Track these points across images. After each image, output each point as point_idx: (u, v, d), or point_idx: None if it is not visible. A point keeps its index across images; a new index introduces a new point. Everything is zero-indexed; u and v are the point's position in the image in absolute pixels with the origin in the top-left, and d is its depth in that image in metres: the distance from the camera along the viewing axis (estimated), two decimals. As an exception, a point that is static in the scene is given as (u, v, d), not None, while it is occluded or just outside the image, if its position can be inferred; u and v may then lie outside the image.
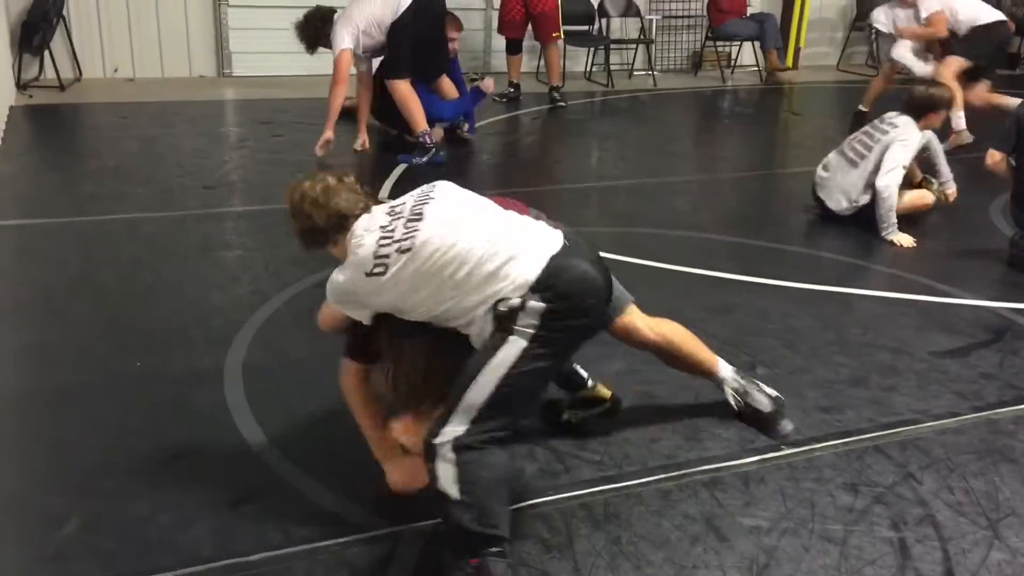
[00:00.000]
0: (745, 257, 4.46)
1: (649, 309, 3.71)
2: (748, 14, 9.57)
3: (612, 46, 9.34)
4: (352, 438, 2.63)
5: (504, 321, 2.05)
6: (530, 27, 8.10)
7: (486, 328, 2.10)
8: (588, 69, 9.41)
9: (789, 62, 10.07)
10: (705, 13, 9.73)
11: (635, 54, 9.69)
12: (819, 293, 3.95)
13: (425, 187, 2.32)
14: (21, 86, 7.41)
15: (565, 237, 2.19)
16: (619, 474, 2.59)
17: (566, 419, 2.80)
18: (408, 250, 2.11)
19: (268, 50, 8.46)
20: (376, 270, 2.13)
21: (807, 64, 10.49)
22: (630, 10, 9.41)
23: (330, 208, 2.24)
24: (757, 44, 9.66)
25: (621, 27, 9.67)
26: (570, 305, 2.08)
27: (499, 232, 2.15)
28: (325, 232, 2.27)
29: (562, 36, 8.29)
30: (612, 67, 9.20)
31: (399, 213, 2.21)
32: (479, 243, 2.10)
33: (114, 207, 4.80)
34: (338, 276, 2.21)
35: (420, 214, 2.17)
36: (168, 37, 8.24)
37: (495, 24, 8.76)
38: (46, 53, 7.54)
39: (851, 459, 2.71)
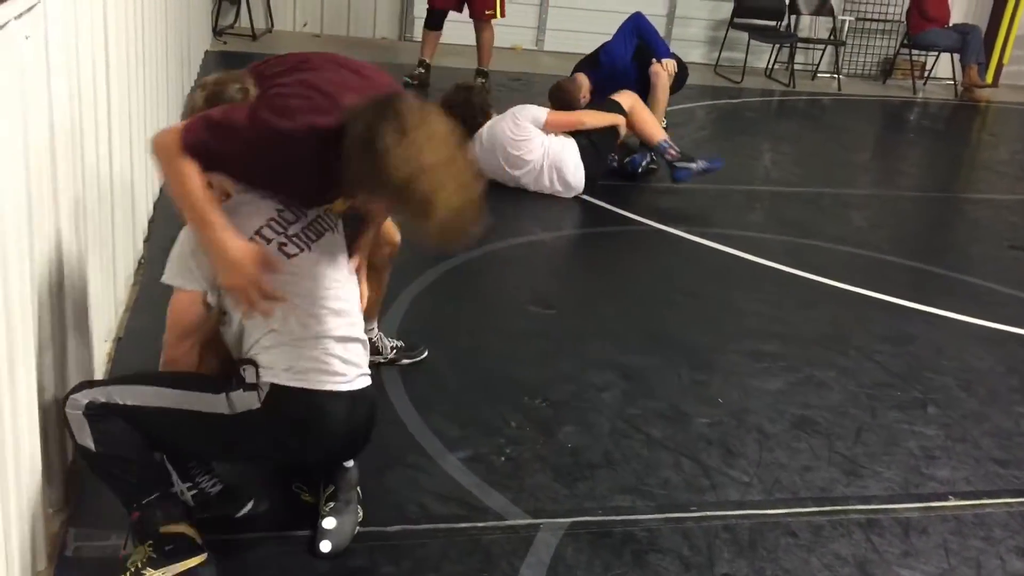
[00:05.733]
0: (923, 284, 4.19)
1: (815, 330, 3.58)
2: (951, 24, 9.02)
3: (799, 45, 8.98)
4: (502, 424, 2.61)
5: (236, 378, 1.96)
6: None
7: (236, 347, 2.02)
8: (770, 66, 9.08)
9: (989, 79, 9.43)
10: (903, 18, 9.21)
11: (822, 55, 9.28)
12: (1004, 334, 3.66)
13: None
14: (217, 32, 7.74)
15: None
16: (768, 500, 2.47)
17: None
18: (282, 247, 2.00)
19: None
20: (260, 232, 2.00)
21: (1008, 83, 9.80)
22: (823, 8, 8.99)
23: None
24: (956, 57, 9.10)
25: (811, 26, 9.27)
26: (281, 425, 1.96)
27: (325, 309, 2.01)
28: None
29: (497, 16, 6.98)
30: (796, 67, 8.85)
31: (305, 215, 2.07)
32: (309, 306, 2.00)
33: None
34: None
35: (312, 239, 2.05)
36: (357, -4, 8.45)
37: None
38: (243, 2, 7.85)
39: (1026, 521, 2.50)
